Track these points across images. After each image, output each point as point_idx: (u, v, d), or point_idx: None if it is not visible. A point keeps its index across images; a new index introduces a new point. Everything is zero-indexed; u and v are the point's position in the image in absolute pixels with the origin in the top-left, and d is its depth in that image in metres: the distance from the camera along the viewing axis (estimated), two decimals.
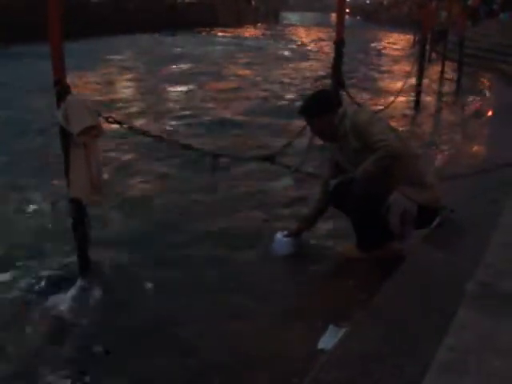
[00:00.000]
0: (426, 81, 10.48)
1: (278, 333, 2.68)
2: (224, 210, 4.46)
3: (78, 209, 3.01)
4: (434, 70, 13.81)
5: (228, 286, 3.20)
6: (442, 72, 12.90)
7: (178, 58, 16.74)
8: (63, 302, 2.95)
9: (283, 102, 9.43)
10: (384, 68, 16.72)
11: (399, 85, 9.52)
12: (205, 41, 24.95)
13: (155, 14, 30.23)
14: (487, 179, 4.25)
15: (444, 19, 19.19)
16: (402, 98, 9.07)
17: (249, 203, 4.62)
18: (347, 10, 29.79)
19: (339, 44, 4.92)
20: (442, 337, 1.67)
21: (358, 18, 71.77)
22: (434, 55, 16.14)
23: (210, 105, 9.40)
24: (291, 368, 2.33)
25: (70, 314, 2.87)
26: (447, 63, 13.21)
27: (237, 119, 8.23)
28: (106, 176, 3.16)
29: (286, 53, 20.40)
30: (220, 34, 30.77)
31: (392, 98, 8.04)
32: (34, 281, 3.22)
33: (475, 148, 6.36)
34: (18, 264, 3.44)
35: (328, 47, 18.00)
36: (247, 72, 14.25)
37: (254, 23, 43.91)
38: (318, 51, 21.21)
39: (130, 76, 12.99)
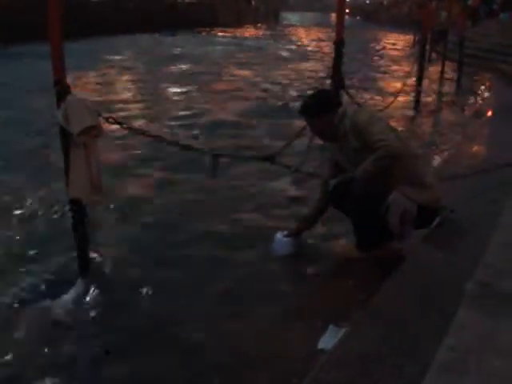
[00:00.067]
0: (425, 81, 10.48)
1: (278, 333, 2.68)
2: (224, 210, 4.46)
3: (78, 209, 3.01)
4: (433, 70, 13.80)
5: (228, 286, 3.20)
6: (442, 72, 12.90)
7: (177, 58, 16.75)
8: (63, 302, 2.95)
9: (283, 103, 9.41)
10: (384, 68, 16.73)
11: (399, 85, 9.53)
12: (205, 41, 24.95)
13: (155, 14, 30.23)
14: (487, 179, 4.25)
15: (444, 19, 19.19)
16: (401, 98, 9.07)
17: (249, 203, 4.62)
18: (347, 10, 29.77)
19: (339, 44, 4.92)
20: (441, 337, 1.67)
21: (358, 18, 71.79)
22: (433, 55, 16.13)
23: (210, 105, 9.39)
24: (291, 368, 2.33)
25: (70, 314, 2.86)
26: (447, 63, 13.21)
27: (236, 120, 8.22)
28: (105, 176, 3.14)
29: (286, 53, 20.39)
30: (220, 34, 30.76)
31: (392, 98, 8.04)
32: (33, 281, 3.22)
33: (475, 148, 6.36)
34: (17, 264, 3.44)
35: (328, 47, 18.00)
36: (247, 72, 14.25)
37: (254, 23, 43.92)
38: (317, 51, 21.21)
39: (129, 76, 12.99)
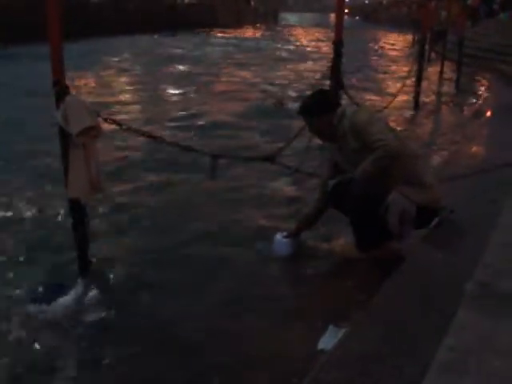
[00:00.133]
0: (425, 81, 10.49)
1: (278, 333, 2.69)
2: (224, 210, 4.46)
3: (78, 209, 3.01)
4: (433, 70, 13.82)
5: (228, 286, 3.21)
6: (441, 72, 12.90)
7: (177, 59, 16.75)
8: (63, 302, 2.95)
9: (282, 103, 9.40)
10: (383, 68, 16.74)
11: (398, 85, 9.54)
12: (204, 41, 24.95)
13: (155, 15, 30.26)
14: (486, 179, 4.26)
15: (443, 19, 19.21)
16: (401, 98, 9.07)
17: (248, 203, 4.62)
18: (346, 11, 29.81)
19: (338, 44, 4.93)
20: (441, 337, 1.67)
21: (357, 18, 71.87)
22: (433, 55, 16.15)
23: (209, 106, 9.39)
24: (291, 368, 2.33)
25: (70, 315, 2.86)
26: (446, 63, 13.21)
27: (236, 120, 8.21)
28: (104, 177, 3.15)
29: (285, 54, 20.40)
30: (219, 34, 30.78)
31: (391, 99, 8.04)
32: (33, 281, 3.22)
33: (474, 148, 6.36)
34: (17, 265, 3.45)
35: (327, 48, 17.98)
36: (246, 73, 14.25)
37: (253, 24, 43.96)
38: (316, 52, 21.22)
39: (128, 77, 12.98)
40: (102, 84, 11.72)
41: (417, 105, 9.39)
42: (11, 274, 3.32)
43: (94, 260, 3.23)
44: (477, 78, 13.57)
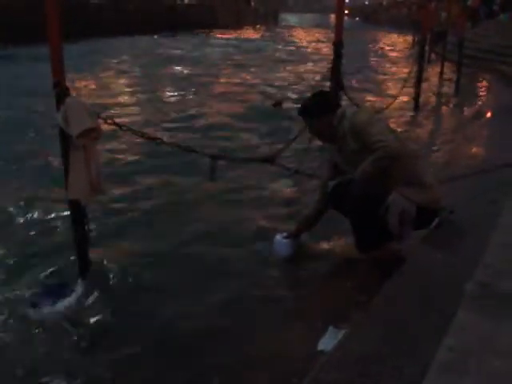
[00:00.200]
0: (425, 82, 10.49)
1: (278, 333, 2.69)
2: (223, 211, 4.47)
3: (78, 210, 3.01)
4: (433, 71, 13.83)
5: (228, 287, 3.21)
6: (442, 73, 12.91)
7: (176, 61, 16.75)
8: (63, 303, 2.95)
9: (283, 104, 9.41)
10: (383, 69, 16.75)
11: (398, 86, 9.53)
12: (204, 42, 24.96)
13: (155, 16, 30.28)
14: (486, 180, 4.26)
15: (443, 20, 19.22)
16: (401, 99, 9.07)
17: (248, 204, 4.62)
18: (346, 12, 29.81)
19: (338, 45, 4.94)
20: (441, 337, 1.67)
21: (357, 19, 71.91)
22: (433, 56, 16.16)
23: (208, 108, 9.38)
24: (291, 368, 2.33)
25: (71, 315, 2.86)
26: (446, 64, 13.22)
27: (235, 122, 8.21)
28: (104, 177, 3.14)
29: (285, 55, 20.40)
30: (219, 35, 30.79)
31: (391, 99, 8.04)
32: (33, 282, 3.22)
33: (474, 149, 6.36)
34: (17, 266, 3.45)
35: (327, 49, 17.99)
36: (245, 74, 14.24)
37: (253, 24, 43.98)
38: (316, 53, 21.23)
39: (128, 79, 12.95)
40: (101, 85, 11.71)
41: (417, 106, 9.39)
42: (11, 275, 3.33)
43: (93, 261, 3.23)
44: (477, 78, 13.58)
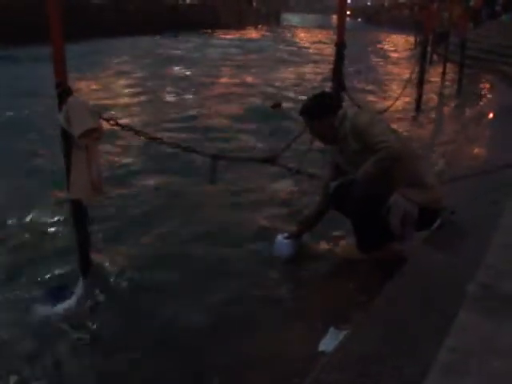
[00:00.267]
0: (427, 83, 10.47)
1: (278, 333, 2.69)
2: (224, 211, 4.46)
3: (79, 210, 3.01)
4: (435, 72, 13.81)
5: (228, 287, 3.21)
6: (444, 74, 12.91)
7: (177, 61, 16.74)
8: (65, 303, 2.95)
9: (283, 105, 9.40)
10: (385, 70, 16.75)
11: (400, 86, 9.52)
12: (206, 42, 24.95)
13: (156, 16, 30.25)
14: (488, 181, 4.25)
15: (446, 21, 19.21)
16: (403, 100, 9.06)
17: (249, 205, 4.62)
18: (348, 13, 29.84)
19: (340, 46, 4.92)
20: (441, 338, 1.67)
21: (359, 20, 71.90)
22: (435, 57, 16.16)
23: (209, 108, 9.37)
24: (292, 368, 2.33)
25: (72, 315, 2.87)
26: (448, 65, 13.23)
27: (236, 122, 8.20)
28: (105, 178, 3.15)
29: (287, 55, 20.38)
30: (221, 35, 30.79)
31: (393, 100, 8.04)
32: (34, 282, 3.22)
33: (476, 149, 6.35)
34: (18, 266, 3.45)
35: (329, 49, 17.99)
36: (246, 75, 14.22)
37: (255, 25, 43.98)
38: (318, 54, 21.22)
39: (128, 80, 12.92)
40: (102, 86, 11.70)
41: (419, 106, 9.38)
42: (11, 276, 3.33)
43: (94, 261, 3.23)
44: (479, 79, 13.57)
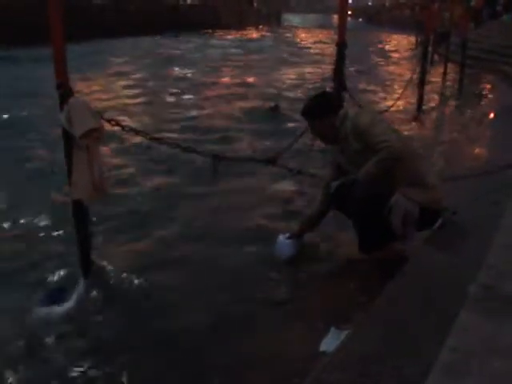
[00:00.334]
0: (428, 83, 10.46)
1: (279, 333, 2.69)
2: (224, 211, 4.46)
3: (80, 210, 3.01)
4: (436, 72, 13.81)
5: (229, 287, 3.20)
6: (445, 73, 12.89)
7: (178, 61, 16.74)
8: (66, 303, 2.95)
9: (283, 105, 9.40)
10: (386, 70, 16.73)
11: (401, 86, 9.52)
12: (206, 43, 24.96)
13: (157, 16, 30.27)
14: (489, 181, 4.25)
15: (447, 21, 19.20)
16: (404, 100, 9.06)
17: (250, 205, 4.61)
18: (349, 13, 29.82)
19: (341, 46, 4.92)
20: (443, 338, 1.67)
21: (360, 20, 71.84)
22: (436, 57, 16.15)
23: (209, 109, 9.37)
24: (292, 368, 2.33)
25: (73, 315, 2.87)
26: (450, 65, 13.21)
27: (236, 123, 8.20)
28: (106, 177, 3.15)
29: (287, 55, 20.37)
30: (222, 35, 30.80)
31: (394, 100, 8.03)
32: (35, 282, 3.22)
33: (477, 150, 6.36)
34: (19, 266, 3.45)
35: (330, 49, 17.98)
36: (247, 75, 14.22)
37: (255, 25, 43.98)
38: (319, 54, 21.21)
39: (129, 80, 12.90)
40: (102, 86, 11.70)
41: (420, 106, 9.37)
42: (13, 276, 3.33)
43: (95, 261, 3.23)
44: (480, 79, 13.56)
